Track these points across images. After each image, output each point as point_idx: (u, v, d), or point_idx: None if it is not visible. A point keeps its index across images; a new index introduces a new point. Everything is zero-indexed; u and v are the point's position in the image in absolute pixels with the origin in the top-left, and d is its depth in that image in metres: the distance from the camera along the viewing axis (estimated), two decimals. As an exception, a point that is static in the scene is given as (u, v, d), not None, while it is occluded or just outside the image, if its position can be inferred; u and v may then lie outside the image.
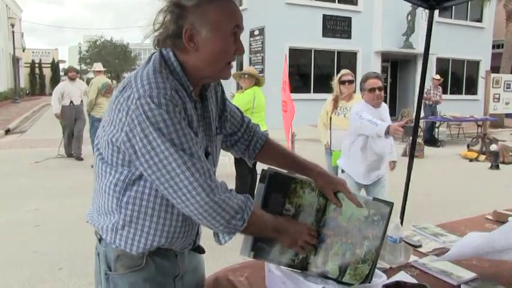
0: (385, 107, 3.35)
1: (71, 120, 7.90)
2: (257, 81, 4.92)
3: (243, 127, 1.40)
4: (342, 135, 3.76)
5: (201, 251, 1.38)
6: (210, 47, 1.09)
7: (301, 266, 1.31)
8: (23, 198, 5.41)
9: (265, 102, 5.07)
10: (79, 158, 7.91)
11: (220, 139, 1.34)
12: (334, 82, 4.27)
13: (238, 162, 4.76)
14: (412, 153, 3.05)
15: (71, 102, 7.83)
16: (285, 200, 1.28)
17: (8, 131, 12.13)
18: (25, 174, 6.82)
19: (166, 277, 1.23)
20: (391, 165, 3.58)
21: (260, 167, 1.40)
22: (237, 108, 1.42)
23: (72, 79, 7.95)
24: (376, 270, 1.26)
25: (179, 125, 1.04)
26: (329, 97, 4.44)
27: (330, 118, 4.25)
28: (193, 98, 1.13)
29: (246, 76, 4.83)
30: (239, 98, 4.86)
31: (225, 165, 5.75)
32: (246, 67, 5.61)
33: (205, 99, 1.21)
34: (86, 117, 7.77)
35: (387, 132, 2.88)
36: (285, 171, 1.34)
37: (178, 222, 1.19)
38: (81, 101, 7.96)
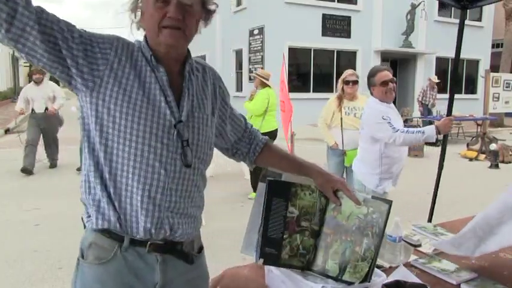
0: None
1: (33, 133, 6.72)
2: (262, 82, 5.29)
3: (246, 132, 1.43)
4: (354, 134, 3.72)
5: (184, 257, 1.23)
6: (145, 14, 1.17)
7: (308, 267, 1.32)
8: (23, 197, 5.41)
9: (276, 102, 5.57)
10: (54, 166, 7.21)
11: (213, 121, 1.30)
12: (338, 82, 4.24)
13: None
14: (443, 154, 3.09)
15: (33, 110, 6.66)
16: (288, 203, 1.29)
17: (7, 131, 12.12)
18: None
19: (142, 282, 1.17)
20: None
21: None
22: (241, 116, 1.45)
23: (36, 82, 6.76)
24: (375, 269, 1.26)
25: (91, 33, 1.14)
26: (331, 97, 4.38)
27: (341, 118, 4.17)
28: (153, 64, 1.17)
29: (253, 78, 5.37)
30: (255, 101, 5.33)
31: (224, 165, 5.75)
32: (259, 70, 5.98)
33: (186, 75, 1.23)
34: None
35: (438, 133, 2.71)
36: (282, 174, 1.34)
37: (117, 182, 1.14)
38: (46, 108, 6.75)
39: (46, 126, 6.84)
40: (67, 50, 1.08)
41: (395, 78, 2.94)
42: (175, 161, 1.16)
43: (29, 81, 7.15)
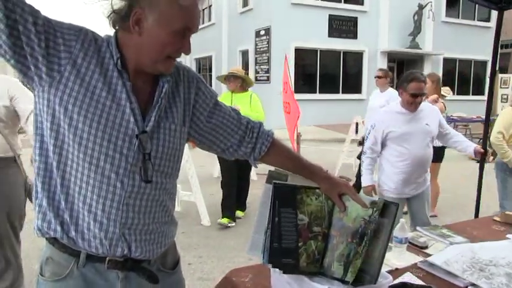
0: (431, 110, 2.95)
1: None
2: (244, 82, 4.45)
3: (241, 129, 1.29)
4: None
5: (149, 276, 1.15)
6: (153, 37, 1.04)
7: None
8: (30, 197, 5.45)
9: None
10: None
11: (185, 131, 1.21)
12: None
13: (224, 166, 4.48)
14: (484, 153, 3.01)
15: None
16: (296, 212, 1.28)
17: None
18: (31, 173, 6.86)
19: None
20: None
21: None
22: (233, 110, 1.32)
23: None
24: (382, 271, 1.26)
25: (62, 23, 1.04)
26: (505, 109, 3.80)
27: None
28: (118, 68, 1.06)
29: (232, 78, 4.38)
30: (254, 105, 4.32)
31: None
32: (232, 67, 5.18)
33: (158, 84, 1.13)
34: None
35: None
36: (288, 173, 1.33)
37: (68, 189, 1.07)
38: None
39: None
40: (28, 38, 0.97)
41: (425, 92, 2.82)
42: (133, 174, 1.07)
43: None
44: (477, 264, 1.58)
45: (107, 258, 1.10)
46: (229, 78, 4.40)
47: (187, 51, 1.10)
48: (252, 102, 4.34)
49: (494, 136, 3.57)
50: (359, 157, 5.46)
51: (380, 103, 5.03)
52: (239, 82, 4.39)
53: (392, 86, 5.61)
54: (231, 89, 4.43)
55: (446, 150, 3.97)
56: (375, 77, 5.51)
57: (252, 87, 4.65)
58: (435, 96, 4.59)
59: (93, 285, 1.11)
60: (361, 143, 5.65)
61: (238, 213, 4.60)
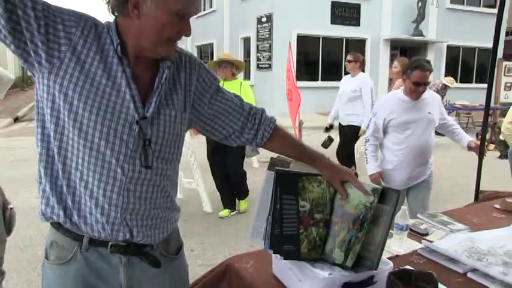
0: (434, 98, 2.89)
1: None
2: (235, 69, 4.18)
3: (243, 115, 1.30)
4: None
5: (150, 260, 1.16)
6: (152, 19, 1.03)
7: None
8: (33, 184, 5.47)
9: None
10: None
11: (186, 117, 1.20)
12: None
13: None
14: (482, 141, 2.97)
15: None
16: (298, 199, 1.28)
17: (16, 119, 12.24)
18: (34, 161, 6.85)
19: (106, 283, 1.14)
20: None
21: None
22: (236, 96, 1.32)
23: None
24: (383, 257, 1.27)
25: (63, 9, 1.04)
26: None
27: None
28: (118, 55, 1.06)
29: (225, 64, 4.08)
30: (245, 93, 4.02)
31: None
32: (222, 52, 4.81)
33: (161, 70, 1.13)
34: None
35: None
36: (290, 160, 1.34)
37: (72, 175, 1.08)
38: None
39: None
40: (27, 24, 0.97)
41: (429, 82, 2.74)
42: (134, 160, 1.07)
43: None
44: (475, 254, 1.59)
45: (110, 243, 1.12)
46: (221, 65, 4.10)
47: (188, 32, 1.09)
48: (242, 89, 4.06)
49: (505, 126, 3.51)
50: (323, 145, 5.34)
51: (351, 87, 4.96)
52: (232, 68, 4.14)
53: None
54: (224, 77, 4.12)
55: (447, 138, 3.94)
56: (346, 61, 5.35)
57: (253, 75, 4.56)
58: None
59: (96, 269, 1.13)
60: (328, 129, 5.50)
61: (241, 205, 4.37)
